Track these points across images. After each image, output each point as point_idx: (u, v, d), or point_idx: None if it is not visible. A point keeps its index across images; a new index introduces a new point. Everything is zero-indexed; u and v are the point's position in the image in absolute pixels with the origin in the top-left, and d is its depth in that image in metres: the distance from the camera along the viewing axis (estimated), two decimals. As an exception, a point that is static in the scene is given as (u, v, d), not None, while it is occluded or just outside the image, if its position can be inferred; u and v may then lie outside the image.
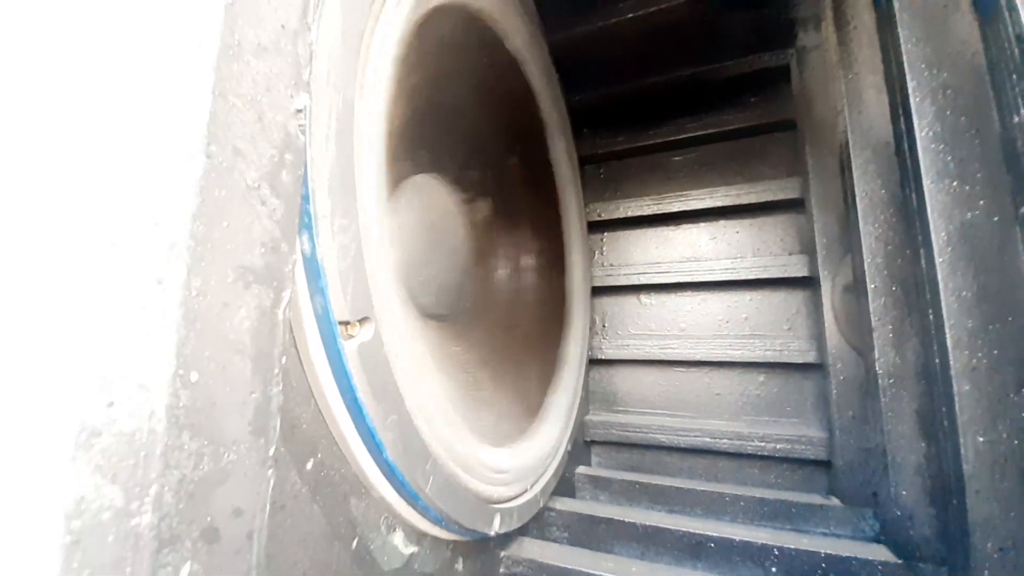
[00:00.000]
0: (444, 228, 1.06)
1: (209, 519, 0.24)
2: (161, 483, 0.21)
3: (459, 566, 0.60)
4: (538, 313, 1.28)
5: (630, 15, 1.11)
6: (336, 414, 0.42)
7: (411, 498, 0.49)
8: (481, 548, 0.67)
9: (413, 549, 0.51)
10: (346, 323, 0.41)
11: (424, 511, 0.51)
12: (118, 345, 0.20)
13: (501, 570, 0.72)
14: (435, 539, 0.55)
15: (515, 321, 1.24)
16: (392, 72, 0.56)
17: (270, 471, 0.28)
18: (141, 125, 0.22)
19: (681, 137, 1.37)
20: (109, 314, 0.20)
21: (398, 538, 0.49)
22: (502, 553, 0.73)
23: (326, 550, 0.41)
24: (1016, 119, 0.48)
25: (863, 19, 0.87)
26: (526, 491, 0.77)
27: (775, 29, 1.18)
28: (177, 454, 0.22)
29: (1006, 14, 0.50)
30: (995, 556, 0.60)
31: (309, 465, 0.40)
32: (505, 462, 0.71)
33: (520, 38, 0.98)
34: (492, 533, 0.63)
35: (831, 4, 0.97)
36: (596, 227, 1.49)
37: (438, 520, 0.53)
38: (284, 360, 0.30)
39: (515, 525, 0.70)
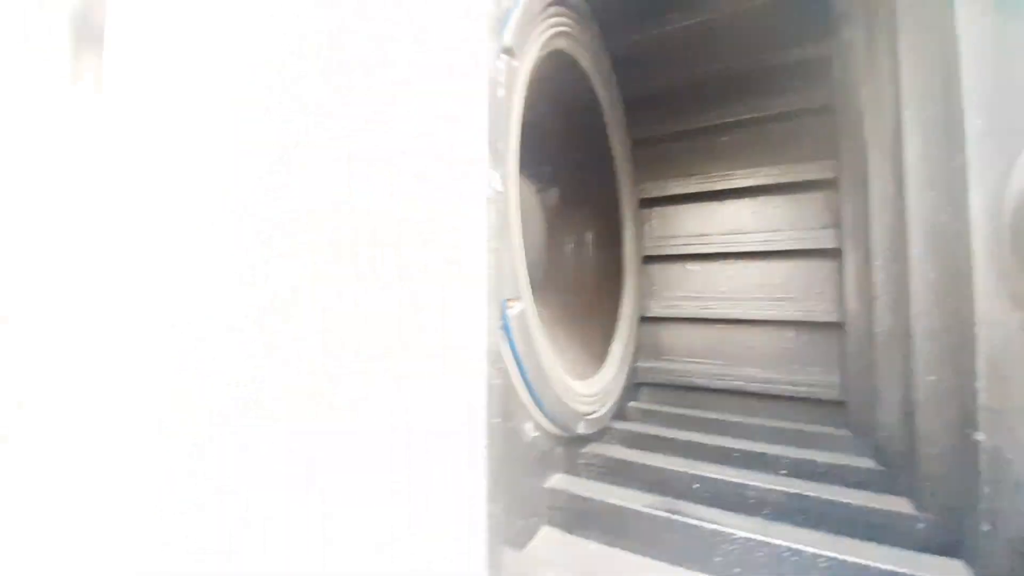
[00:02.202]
0: (528, 216, 1.35)
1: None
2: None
3: (558, 451, 0.94)
4: (598, 279, 1.57)
5: (677, 24, 1.29)
6: (506, 358, 0.74)
7: (538, 404, 0.82)
8: (570, 442, 1.01)
9: (536, 434, 0.85)
10: (509, 300, 0.73)
11: (543, 412, 0.84)
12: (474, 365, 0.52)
13: (580, 461, 1.06)
14: (547, 431, 0.89)
15: (580, 286, 1.54)
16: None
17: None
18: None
19: (727, 121, 1.55)
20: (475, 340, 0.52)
21: (528, 426, 0.83)
22: (582, 449, 1.07)
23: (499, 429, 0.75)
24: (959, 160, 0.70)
25: (886, 34, 1.03)
26: (597, 411, 1.10)
27: (818, 24, 1.32)
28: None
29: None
30: (935, 460, 0.86)
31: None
32: (585, 390, 1.04)
33: (589, 58, 1.21)
34: (578, 433, 0.97)
35: (863, 12, 1.12)
36: (647, 204, 1.72)
37: (551, 419, 0.86)
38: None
39: (592, 431, 1.04)
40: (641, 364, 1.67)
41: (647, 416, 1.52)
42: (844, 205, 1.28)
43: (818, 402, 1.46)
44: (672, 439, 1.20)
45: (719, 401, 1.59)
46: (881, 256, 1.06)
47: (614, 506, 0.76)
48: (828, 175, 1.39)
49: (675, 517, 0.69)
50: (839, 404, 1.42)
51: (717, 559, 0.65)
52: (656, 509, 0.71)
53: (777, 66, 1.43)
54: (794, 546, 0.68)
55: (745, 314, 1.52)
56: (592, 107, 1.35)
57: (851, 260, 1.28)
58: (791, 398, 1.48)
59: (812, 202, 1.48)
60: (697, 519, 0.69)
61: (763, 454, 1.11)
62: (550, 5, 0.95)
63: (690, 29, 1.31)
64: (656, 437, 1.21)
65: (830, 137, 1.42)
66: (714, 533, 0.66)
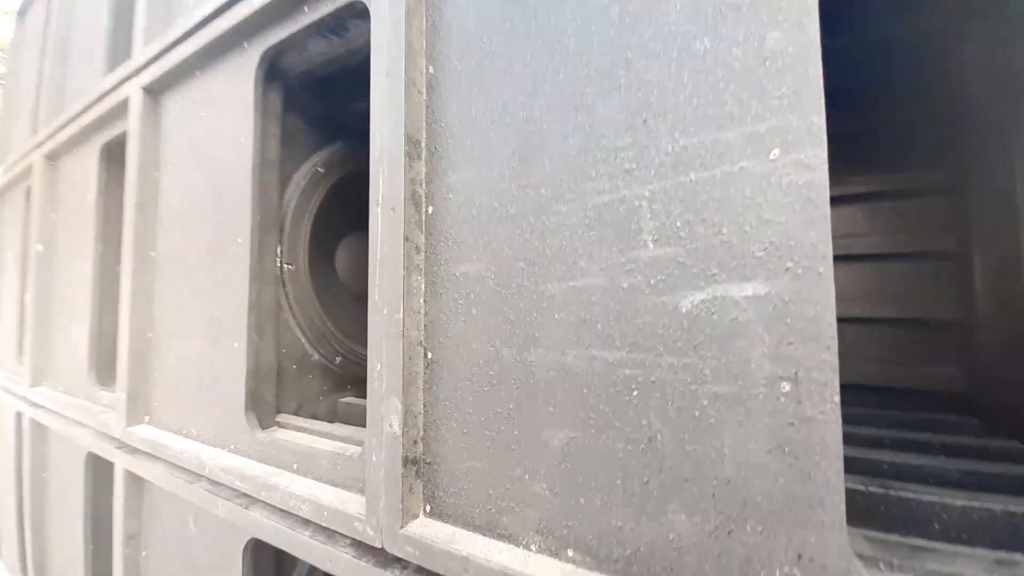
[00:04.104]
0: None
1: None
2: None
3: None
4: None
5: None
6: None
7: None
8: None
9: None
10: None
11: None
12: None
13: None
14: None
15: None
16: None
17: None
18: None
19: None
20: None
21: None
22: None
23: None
24: None
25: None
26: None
27: (936, 37, 1.43)
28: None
29: None
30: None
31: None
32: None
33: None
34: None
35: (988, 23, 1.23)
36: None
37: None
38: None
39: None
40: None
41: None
42: (971, 209, 1.38)
43: (936, 394, 1.56)
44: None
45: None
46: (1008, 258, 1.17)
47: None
48: (947, 180, 1.50)
49: (893, 493, 0.80)
50: (960, 395, 1.52)
51: (936, 527, 0.77)
52: (870, 487, 0.82)
53: (888, 79, 1.54)
54: (1010, 509, 0.78)
55: (859, 314, 1.63)
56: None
57: (979, 262, 1.39)
58: (912, 391, 1.58)
59: (928, 207, 1.58)
60: (912, 493, 0.80)
61: (915, 440, 1.22)
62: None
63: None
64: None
65: (949, 144, 1.52)
66: (931, 504, 0.77)
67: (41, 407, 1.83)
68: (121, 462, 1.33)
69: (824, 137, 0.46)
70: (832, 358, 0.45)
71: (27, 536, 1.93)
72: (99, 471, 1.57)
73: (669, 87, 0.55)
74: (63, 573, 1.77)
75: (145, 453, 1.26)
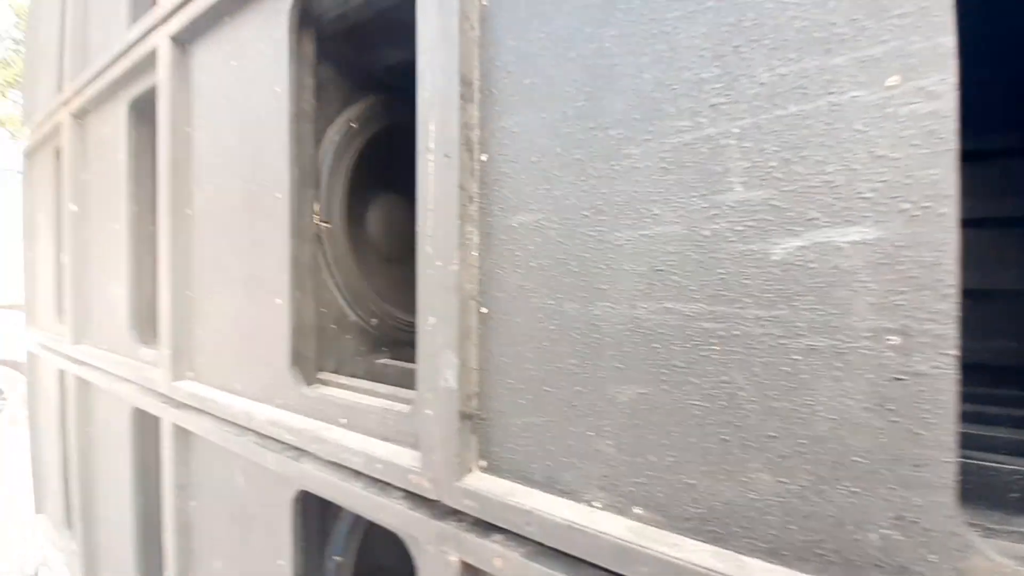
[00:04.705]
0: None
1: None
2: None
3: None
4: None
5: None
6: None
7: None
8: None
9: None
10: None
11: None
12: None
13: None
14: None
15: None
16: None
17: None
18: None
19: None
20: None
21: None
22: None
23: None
24: None
25: None
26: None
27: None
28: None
29: None
30: None
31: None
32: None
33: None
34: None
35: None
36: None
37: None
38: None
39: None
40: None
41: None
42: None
43: (996, 368, 1.50)
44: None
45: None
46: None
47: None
48: (1026, 135, 1.39)
49: (972, 461, 0.77)
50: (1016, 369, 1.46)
51: (1012, 495, 0.74)
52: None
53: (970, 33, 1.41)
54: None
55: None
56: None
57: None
58: (968, 365, 1.52)
59: (1003, 170, 1.47)
60: (994, 462, 0.77)
61: (981, 413, 1.18)
62: None
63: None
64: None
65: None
66: (1011, 473, 0.75)
67: (84, 364, 1.91)
68: (168, 417, 1.38)
69: (953, 60, 0.41)
70: (951, 307, 0.42)
71: (73, 490, 2.05)
72: (145, 425, 1.64)
73: (767, 8, 0.49)
74: (110, 523, 1.89)
75: (191, 407, 1.31)
